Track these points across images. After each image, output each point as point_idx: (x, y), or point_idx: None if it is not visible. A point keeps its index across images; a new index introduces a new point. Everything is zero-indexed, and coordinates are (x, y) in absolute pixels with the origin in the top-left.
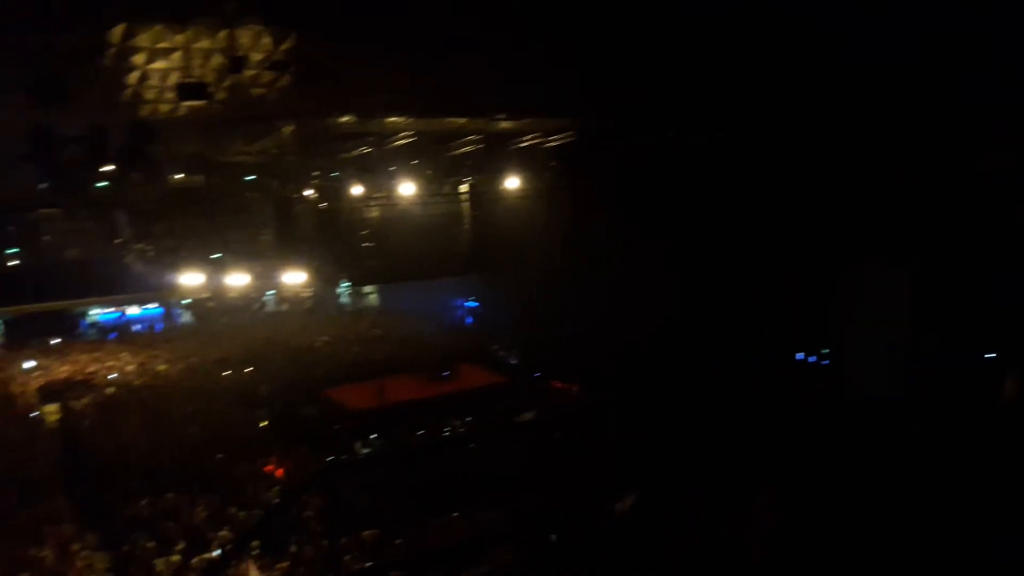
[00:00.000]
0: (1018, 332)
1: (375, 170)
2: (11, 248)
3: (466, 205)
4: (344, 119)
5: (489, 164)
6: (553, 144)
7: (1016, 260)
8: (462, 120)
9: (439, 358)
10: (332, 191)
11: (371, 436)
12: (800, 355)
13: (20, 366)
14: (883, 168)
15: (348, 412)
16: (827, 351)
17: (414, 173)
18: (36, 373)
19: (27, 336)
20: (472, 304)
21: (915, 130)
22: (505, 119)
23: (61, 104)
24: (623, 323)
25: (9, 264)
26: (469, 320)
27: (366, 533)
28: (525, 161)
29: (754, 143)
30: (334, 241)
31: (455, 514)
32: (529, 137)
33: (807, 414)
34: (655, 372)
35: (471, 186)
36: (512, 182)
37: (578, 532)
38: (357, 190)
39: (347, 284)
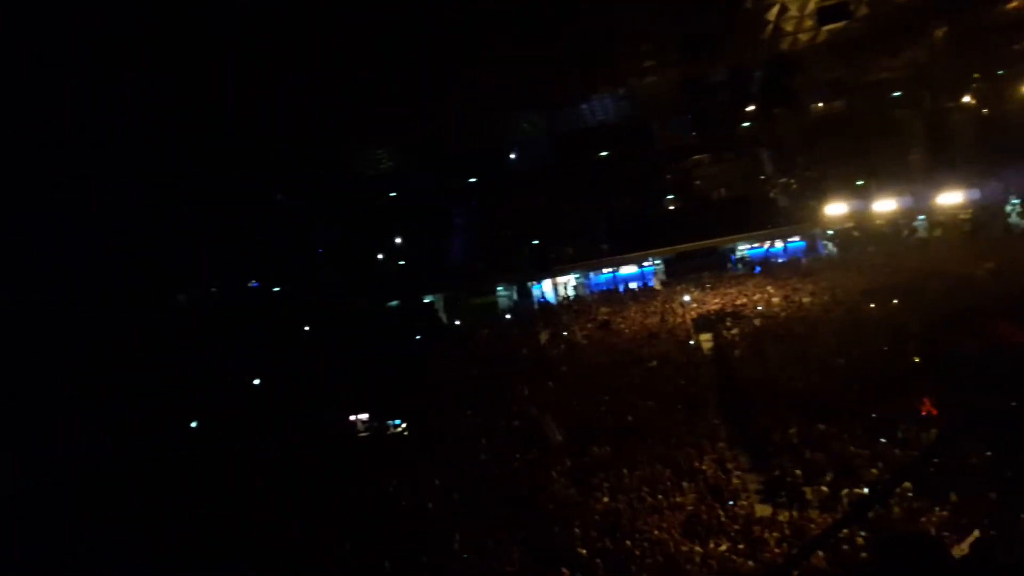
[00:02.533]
0: None
1: None
2: (668, 194)
3: None
4: (1013, 3)
5: None
6: None
7: None
8: None
9: None
10: (997, 93)
11: None
12: None
13: (680, 299)
14: None
15: (1019, 350)
16: None
17: None
18: (692, 305)
19: (683, 272)
20: None
21: None
22: None
23: (708, 55)
24: None
25: (669, 208)
26: None
27: None
28: None
29: None
30: (1000, 150)
31: None
32: None
33: None
34: None
35: None
36: None
37: None
38: None
39: (1017, 200)
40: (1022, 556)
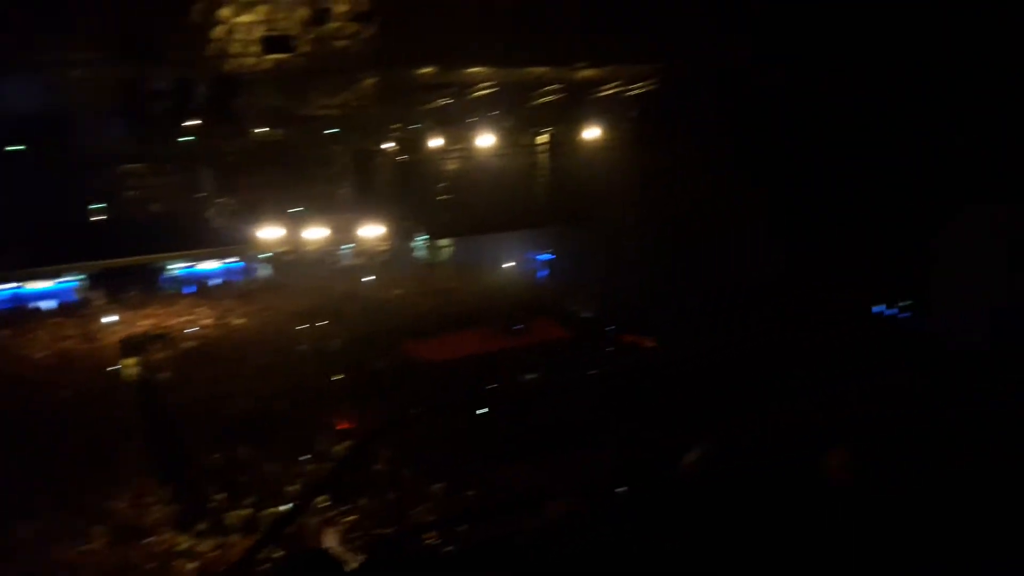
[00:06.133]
0: None
1: (454, 122)
2: (96, 203)
3: (544, 156)
4: (425, 70)
5: (569, 114)
6: (634, 93)
7: None
8: (542, 69)
9: (512, 312)
10: (411, 143)
11: (444, 389)
12: (879, 308)
13: (100, 320)
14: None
15: (421, 365)
16: (909, 303)
17: (493, 124)
18: (116, 327)
19: (109, 291)
20: (546, 257)
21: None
22: (586, 67)
23: (149, 59)
24: (700, 277)
25: (93, 219)
26: (543, 273)
27: (435, 486)
28: (605, 110)
29: (842, 82)
30: (412, 194)
31: (522, 464)
32: (610, 86)
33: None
34: (731, 328)
35: (550, 136)
36: (592, 132)
37: (645, 484)
38: (436, 142)
39: (424, 237)
40: (424, 550)
